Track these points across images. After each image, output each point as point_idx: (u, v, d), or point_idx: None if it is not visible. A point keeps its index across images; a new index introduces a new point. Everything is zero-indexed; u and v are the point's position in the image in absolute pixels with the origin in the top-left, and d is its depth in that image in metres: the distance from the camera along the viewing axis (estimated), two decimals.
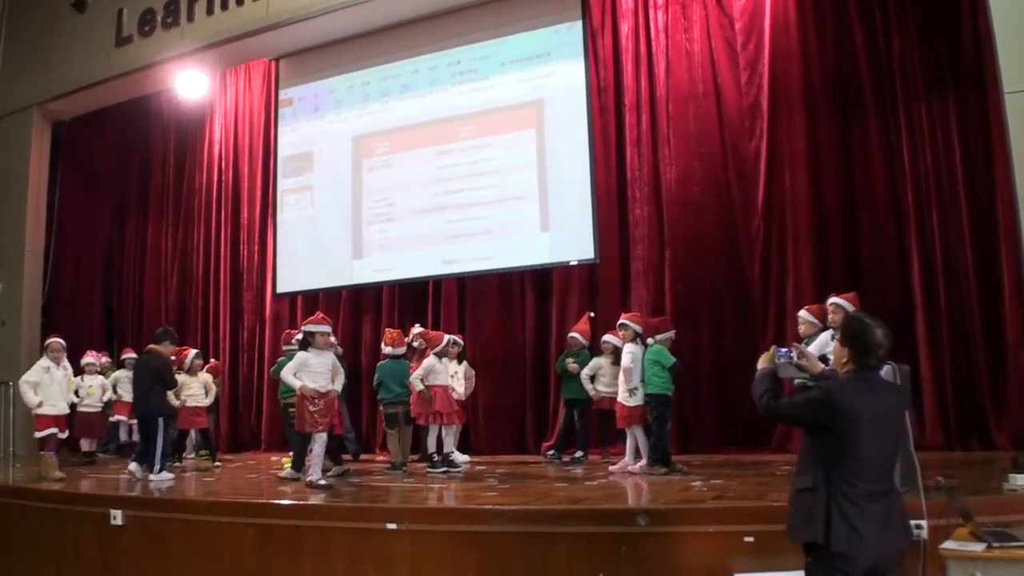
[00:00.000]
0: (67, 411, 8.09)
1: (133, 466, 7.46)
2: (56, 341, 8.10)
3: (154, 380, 7.45)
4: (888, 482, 3.10)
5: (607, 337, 7.68)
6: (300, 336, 8.10)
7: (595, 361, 7.75)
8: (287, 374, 6.57)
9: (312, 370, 6.51)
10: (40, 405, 7.63)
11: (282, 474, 7.30)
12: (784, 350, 3.50)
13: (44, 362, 7.89)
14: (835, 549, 2.90)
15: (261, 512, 5.40)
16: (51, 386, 7.80)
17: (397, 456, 7.59)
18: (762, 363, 3.46)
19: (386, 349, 7.82)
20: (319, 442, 6.47)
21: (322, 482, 6.29)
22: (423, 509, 5.26)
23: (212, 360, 9.97)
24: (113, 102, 11.32)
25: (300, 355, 6.59)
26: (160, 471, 7.18)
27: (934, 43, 7.41)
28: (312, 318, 6.96)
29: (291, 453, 8.49)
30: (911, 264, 7.39)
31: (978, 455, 6.67)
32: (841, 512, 2.93)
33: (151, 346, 7.70)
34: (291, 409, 8.31)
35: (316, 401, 6.39)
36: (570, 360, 7.87)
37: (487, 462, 8.05)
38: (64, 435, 7.98)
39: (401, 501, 5.57)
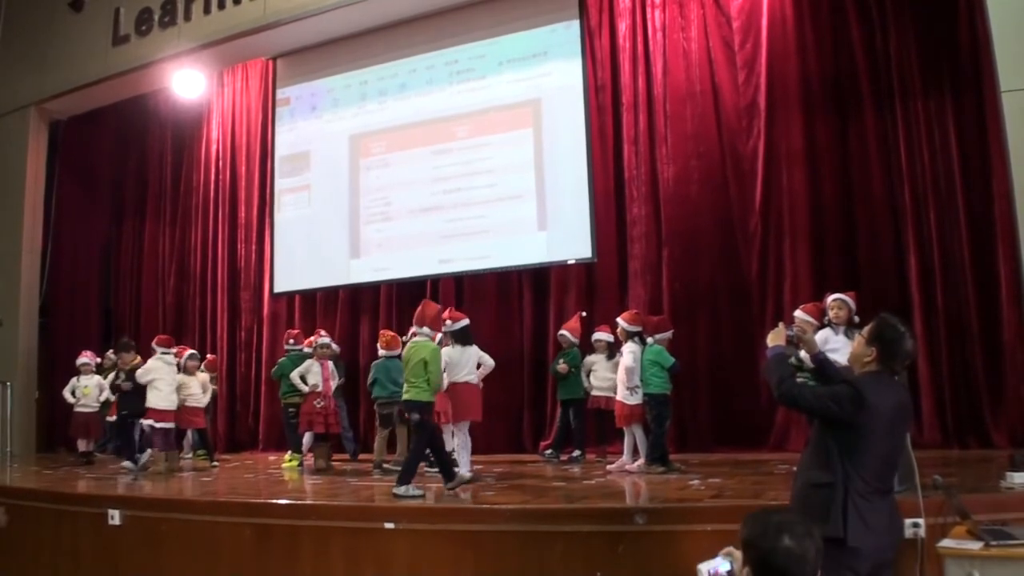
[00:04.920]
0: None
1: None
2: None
3: None
4: (892, 480, 3.15)
5: (599, 334, 7.68)
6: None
7: (588, 359, 7.76)
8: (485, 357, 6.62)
9: None
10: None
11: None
12: (790, 330, 3.48)
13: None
14: (851, 544, 2.92)
15: (259, 512, 5.40)
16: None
17: (380, 455, 7.55)
18: (772, 340, 3.39)
19: (381, 352, 7.83)
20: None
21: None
22: (421, 508, 5.25)
23: (209, 355, 9.95)
24: (110, 101, 11.33)
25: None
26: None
27: (931, 41, 7.41)
28: (456, 314, 6.75)
29: (291, 452, 8.53)
30: (908, 262, 7.39)
31: (975, 453, 6.68)
32: (856, 507, 2.96)
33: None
34: (292, 409, 8.39)
35: None
36: (560, 362, 7.88)
37: (485, 461, 8.03)
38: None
39: (399, 500, 5.56)
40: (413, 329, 6.45)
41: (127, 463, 8.10)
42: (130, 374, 8.14)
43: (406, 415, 6.19)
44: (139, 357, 8.40)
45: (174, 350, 8.42)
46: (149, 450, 8.18)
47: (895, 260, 7.49)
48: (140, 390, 8.00)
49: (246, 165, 11.20)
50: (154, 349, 8.27)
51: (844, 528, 2.93)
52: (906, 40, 7.52)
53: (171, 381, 8.09)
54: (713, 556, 2.40)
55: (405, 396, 6.05)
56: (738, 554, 2.70)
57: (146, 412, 7.99)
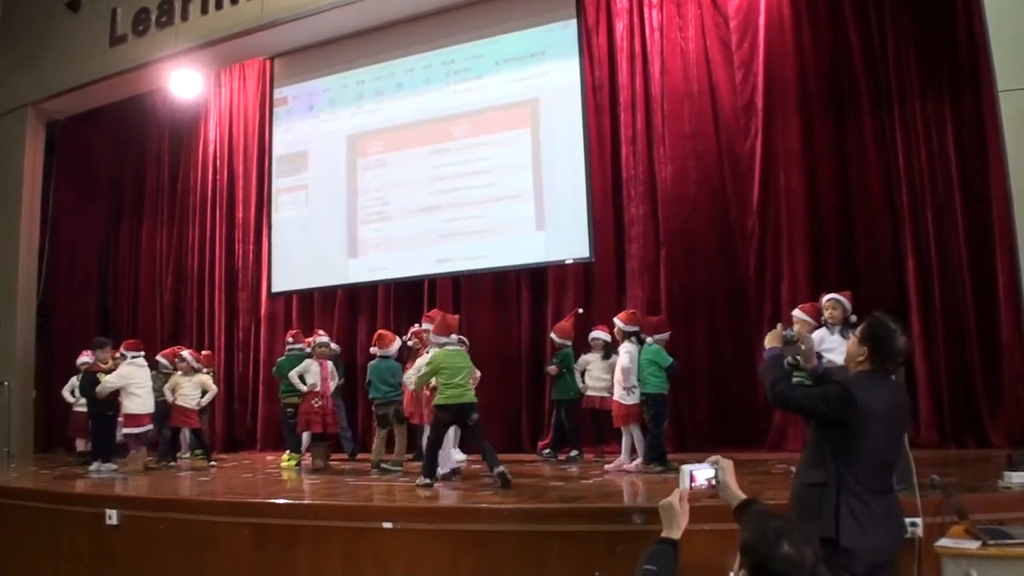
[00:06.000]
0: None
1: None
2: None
3: None
4: (889, 480, 3.13)
5: (595, 333, 7.67)
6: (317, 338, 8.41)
7: (583, 358, 7.76)
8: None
9: None
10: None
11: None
12: (787, 332, 3.48)
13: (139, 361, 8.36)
14: (844, 544, 2.91)
15: (257, 511, 5.40)
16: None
17: (378, 454, 7.54)
18: (770, 342, 3.40)
19: (375, 351, 7.83)
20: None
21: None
22: (419, 508, 5.25)
23: (205, 352, 9.93)
24: (108, 101, 11.30)
25: None
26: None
27: (929, 41, 7.41)
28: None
29: (289, 452, 8.53)
30: (906, 262, 7.39)
31: (973, 453, 6.67)
32: (850, 507, 2.95)
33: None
34: (290, 409, 8.39)
35: None
36: (552, 363, 7.92)
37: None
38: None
39: (397, 500, 5.56)
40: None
41: (107, 464, 8.12)
42: (108, 373, 8.12)
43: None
44: (111, 359, 8.42)
45: (143, 352, 8.47)
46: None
47: (893, 260, 7.48)
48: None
49: (243, 165, 11.19)
50: (123, 355, 8.34)
51: (836, 528, 2.92)
52: (904, 40, 7.52)
53: (146, 384, 8.10)
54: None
55: None
56: (725, 462, 2.73)
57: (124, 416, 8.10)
